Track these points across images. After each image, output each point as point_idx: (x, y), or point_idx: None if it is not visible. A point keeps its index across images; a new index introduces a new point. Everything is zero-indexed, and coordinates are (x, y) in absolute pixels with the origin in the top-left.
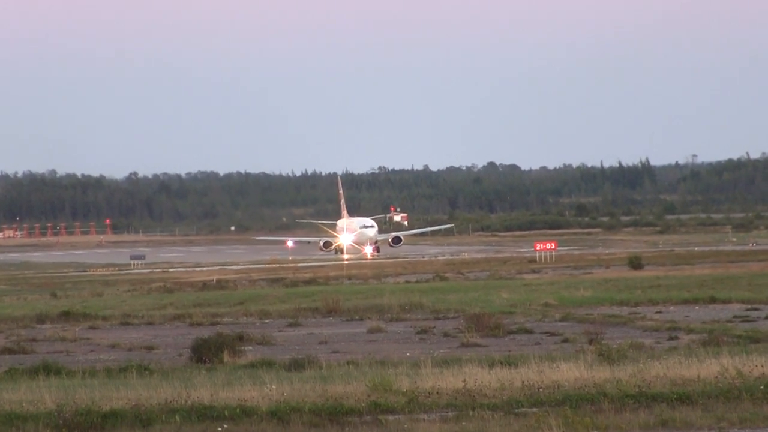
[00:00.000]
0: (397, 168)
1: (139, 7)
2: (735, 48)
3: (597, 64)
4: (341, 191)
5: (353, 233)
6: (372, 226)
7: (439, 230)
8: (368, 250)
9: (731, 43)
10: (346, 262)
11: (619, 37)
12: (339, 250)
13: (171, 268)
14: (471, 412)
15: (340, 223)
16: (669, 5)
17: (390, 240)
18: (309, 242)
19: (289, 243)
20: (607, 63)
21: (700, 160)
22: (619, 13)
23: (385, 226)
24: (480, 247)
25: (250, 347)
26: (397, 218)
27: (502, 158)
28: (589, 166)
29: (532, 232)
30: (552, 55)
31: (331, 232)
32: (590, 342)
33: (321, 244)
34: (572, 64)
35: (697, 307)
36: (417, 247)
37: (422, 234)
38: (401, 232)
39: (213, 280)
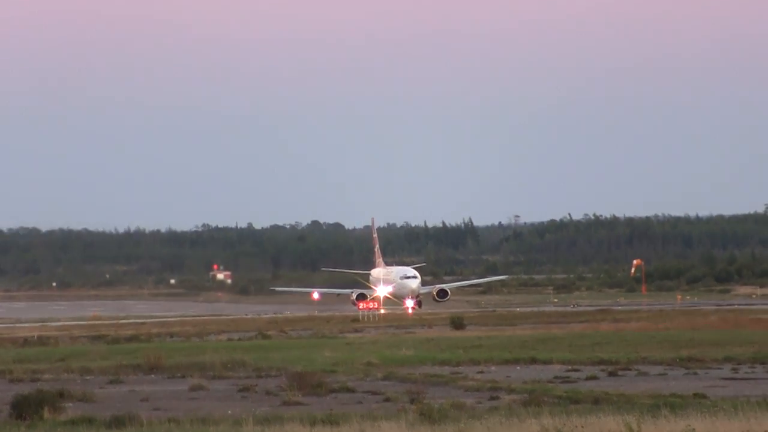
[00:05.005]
0: (221, 225)
1: None
2: (553, 108)
3: (415, 124)
4: (375, 235)
5: (391, 284)
6: (414, 277)
7: (490, 282)
8: (409, 303)
9: (549, 103)
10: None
11: (435, 99)
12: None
13: None
14: None
15: (374, 272)
16: (475, 65)
17: (434, 293)
18: (338, 294)
19: (315, 295)
20: (425, 123)
21: (522, 220)
22: (440, 70)
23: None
24: (303, 305)
25: (71, 404)
26: (220, 276)
27: (326, 217)
28: (413, 225)
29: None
30: (374, 114)
31: (365, 282)
32: (412, 401)
33: (353, 296)
34: (392, 125)
35: (518, 368)
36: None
37: (472, 286)
38: (447, 285)
39: (34, 336)
